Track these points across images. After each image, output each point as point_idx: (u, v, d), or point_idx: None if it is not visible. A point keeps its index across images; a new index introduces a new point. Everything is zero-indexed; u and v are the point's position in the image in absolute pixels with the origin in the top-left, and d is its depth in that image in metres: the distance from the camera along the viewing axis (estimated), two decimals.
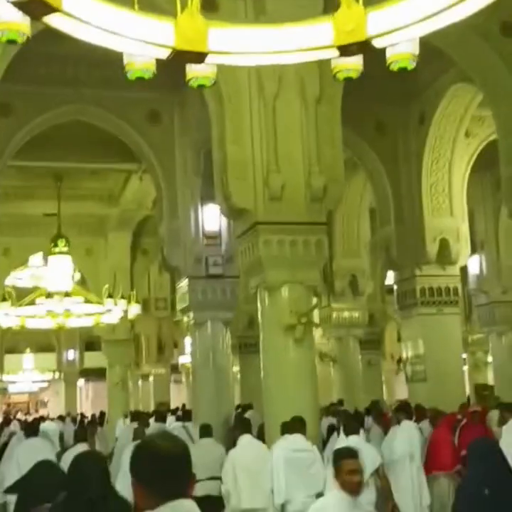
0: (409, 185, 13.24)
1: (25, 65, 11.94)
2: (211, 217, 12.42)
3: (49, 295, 16.33)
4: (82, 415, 27.71)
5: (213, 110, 9.24)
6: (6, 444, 11.95)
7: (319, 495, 6.48)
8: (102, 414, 23.63)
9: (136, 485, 2.20)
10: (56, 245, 16.88)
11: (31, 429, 9.42)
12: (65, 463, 5.09)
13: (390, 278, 22.74)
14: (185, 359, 35.01)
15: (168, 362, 35.67)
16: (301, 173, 8.91)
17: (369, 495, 6.86)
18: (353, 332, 17.14)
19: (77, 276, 19.14)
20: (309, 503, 5.39)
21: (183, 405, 22.09)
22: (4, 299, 16.15)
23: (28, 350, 38.65)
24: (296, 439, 7.68)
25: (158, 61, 11.29)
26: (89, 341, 37.56)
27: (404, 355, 13.86)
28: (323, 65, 9.22)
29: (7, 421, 17.91)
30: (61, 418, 24.60)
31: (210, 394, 12.21)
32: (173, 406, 31.05)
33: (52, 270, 16.72)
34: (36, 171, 18.01)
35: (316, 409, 9.07)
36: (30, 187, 18.74)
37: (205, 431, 9.62)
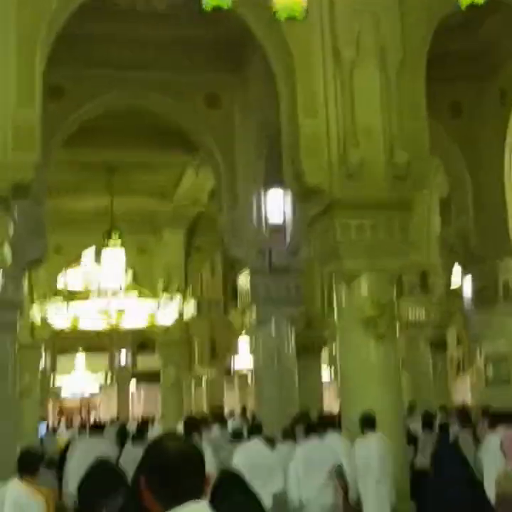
0: (489, 170, 12.11)
1: (78, 47, 11.26)
2: (275, 206, 11.51)
3: (102, 292, 15.63)
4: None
5: (282, 81, 8.35)
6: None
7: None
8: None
9: (145, 488, 2.10)
10: (110, 238, 16.22)
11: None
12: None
13: (456, 274, 21.83)
14: (238, 363, 34.29)
15: (221, 365, 34.97)
16: (382, 148, 7.96)
17: (326, 497, 7.20)
18: (424, 333, 16.03)
19: (130, 275, 18.44)
20: None
21: (243, 408, 21.16)
22: (56, 297, 15.50)
23: (80, 349, 38.28)
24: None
25: (217, 43, 10.41)
26: (142, 342, 37.14)
27: (481, 356, 12.75)
28: (406, 29, 8.35)
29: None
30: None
31: (274, 397, 11.29)
32: (226, 410, 30.35)
33: (107, 264, 16.03)
34: (88, 164, 17.37)
35: (400, 413, 8.08)
36: (81, 181, 18.11)
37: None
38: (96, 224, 19.51)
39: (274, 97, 10.83)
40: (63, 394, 39.62)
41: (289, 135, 8.25)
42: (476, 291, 12.66)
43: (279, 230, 11.51)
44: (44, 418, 25.87)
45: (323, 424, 8.34)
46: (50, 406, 37.23)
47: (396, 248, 7.94)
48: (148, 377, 38.94)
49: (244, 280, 11.77)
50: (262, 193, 11.50)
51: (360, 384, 7.85)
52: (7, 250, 7.37)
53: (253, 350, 11.89)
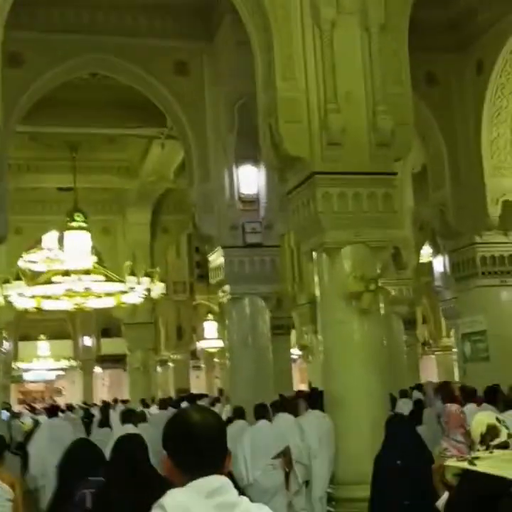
0: (467, 142, 11.80)
1: (37, 11, 10.65)
2: (247, 179, 11.03)
3: (66, 273, 15.05)
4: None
5: (257, 42, 7.87)
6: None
7: None
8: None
9: (166, 459, 2.07)
10: (73, 220, 15.63)
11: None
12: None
13: (426, 250, 21.65)
14: (204, 344, 33.93)
15: (187, 347, 34.58)
16: (365, 114, 7.55)
17: (276, 476, 7.33)
18: (397, 310, 15.75)
19: (94, 258, 17.85)
20: None
21: (220, 391, 20.68)
22: (18, 278, 14.88)
23: (42, 337, 37.65)
24: None
25: (186, 8, 9.87)
26: (105, 327, 36.55)
27: (457, 333, 12.51)
28: None
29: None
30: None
31: (248, 376, 10.89)
32: (193, 392, 29.95)
33: (70, 247, 15.45)
34: (50, 140, 16.75)
35: (385, 392, 7.73)
36: (43, 159, 17.46)
37: (238, 413, 8.92)
38: (58, 204, 18.91)
39: (247, 65, 10.38)
40: (26, 378, 38.99)
41: (266, 100, 7.80)
42: (454, 266, 12.39)
43: (252, 204, 11.06)
44: (7, 403, 25.26)
45: (275, 405, 8.51)
46: (13, 391, 36.55)
47: (380, 219, 7.56)
48: (113, 362, 38.52)
49: (216, 258, 11.30)
50: (234, 166, 11.02)
51: (343, 362, 7.50)
52: None
53: (227, 329, 11.44)
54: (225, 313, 11.54)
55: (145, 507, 2.08)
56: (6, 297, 15.46)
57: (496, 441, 3.93)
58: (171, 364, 34.88)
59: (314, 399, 8.70)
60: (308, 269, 18.01)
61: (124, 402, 21.73)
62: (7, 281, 14.94)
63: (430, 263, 21.85)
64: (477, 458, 3.61)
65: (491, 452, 3.79)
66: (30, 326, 35.43)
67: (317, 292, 7.84)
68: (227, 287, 11.12)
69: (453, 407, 5.33)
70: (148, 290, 16.09)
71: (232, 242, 10.99)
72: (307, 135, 7.46)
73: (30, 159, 17.35)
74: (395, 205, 7.57)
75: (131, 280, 14.99)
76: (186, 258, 34.45)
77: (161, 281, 16.76)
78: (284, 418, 8.05)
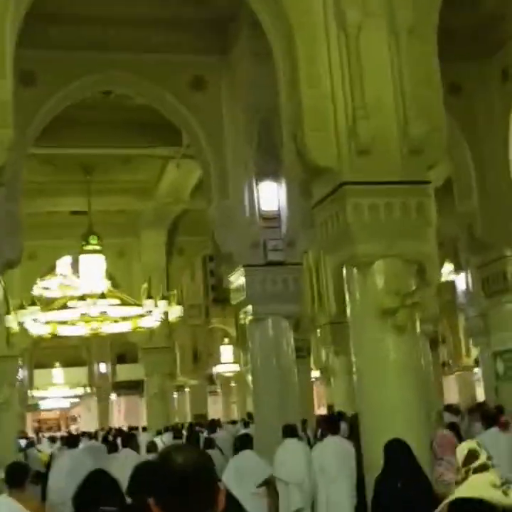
0: (494, 152, 11.40)
1: (49, 28, 10.40)
2: (268, 195, 10.67)
3: (81, 298, 14.70)
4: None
5: (279, 50, 7.53)
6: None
7: None
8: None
9: (154, 505, 2.00)
10: (87, 243, 15.31)
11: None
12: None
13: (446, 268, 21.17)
14: (221, 369, 33.46)
15: (204, 372, 34.13)
16: (395, 120, 7.17)
17: (259, 504, 7.43)
18: (424, 329, 15.19)
19: (108, 281, 17.52)
20: None
21: (249, 414, 20.13)
22: (33, 304, 14.53)
23: (57, 364, 37.32)
24: None
25: (201, 22, 9.57)
26: (121, 353, 36.15)
27: (492, 350, 12.02)
28: None
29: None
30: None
31: (272, 399, 10.44)
32: (210, 418, 29.45)
33: (84, 270, 15.11)
34: (63, 162, 16.49)
35: (425, 415, 7.27)
36: (56, 182, 17.22)
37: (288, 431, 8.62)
38: (72, 228, 18.58)
39: (265, 77, 10.07)
40: (42, 407, 38.60)
41: (290, 108, 7.43)
42: (482, 282, 11.93)
43: (273, 220, 10.68)
44: (23, 432, 24.90)
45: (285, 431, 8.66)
46: (28, 419, 36.19)
47: (414, 230, 7.15)
48: (129, 388, 38.07)
49: (236, 277, 10.91)
50: (254, 182, 10.66)
51: (378, 383, 7.04)
52: None
53: (249, 352, 11.02)
54: (246, 334, 11.12)
55: None
56: (20, 324, 15.11)
57: (476, 464, 4.16)
58: (187, 389, 34.43)
59: (333, 423, 8.70)
60: (329, 288, 17.61)
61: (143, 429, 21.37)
62: (22, 307, 14.59)
63: (449, 281, 21.42)
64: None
65: (466, 476, 4.13)
66: (45, 353, 35.10)
67: (348, 310, 7.41)
68: (249, 308, 10.71)
69: (445, 431, 5.99)
70: (166, 313, 15.70)
71: (254, 261, 10.61)
72: (335, 144, 7.08)
73: (43, 183, 17.09)
74: (429, 215, 7.16)
75: (147, 303, 14.61)
76: (201, 281, 34.14)
77: (178, 304, 16.38)
78: (291, 444, 8.16)
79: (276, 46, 7.63)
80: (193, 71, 10.96)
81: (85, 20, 10.53)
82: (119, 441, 12.02)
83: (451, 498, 4.10)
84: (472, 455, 4.19)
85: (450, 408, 13.48)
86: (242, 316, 10.98)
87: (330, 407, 19.63)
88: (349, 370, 17.91)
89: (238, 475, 7.52)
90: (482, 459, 4.17)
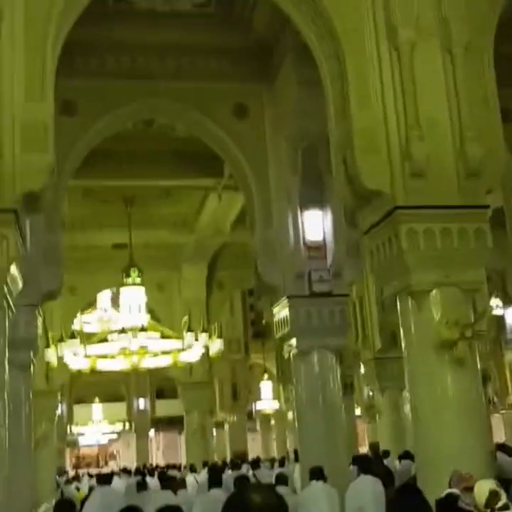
0: None
1: (90, 57, 10.30)
2: (313, 224, 10.34)
3: (122, 331, 14.45)
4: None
5: (328, 70, 7.24)
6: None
7: None
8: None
9: None
10: (128, 276, 15.12)
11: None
12: None
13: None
14: (260, 405, 32.92)
15: (243, 409, 33.61)
16: (451, 142, 6.81)
17: None
18: None
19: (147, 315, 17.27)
20: None
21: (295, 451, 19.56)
22: (73, 337, 14.33)
23: (97, 399, 37.11)
24: None
25: (244, 49, 9.35)
26: (160, 389, 35.85)
27: None
28: (472, 5, 7.30)
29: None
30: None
31: (318, 437, 9.98)
32: (250, 456, 28.89)
33: (125, 303, 14.89)
34: (104, 195, 16.39)
35: (486, 452, 6.78)
36: (97, 215, 17.13)
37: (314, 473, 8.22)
38: (112, 261, 18.45)
39: (309, 105, 9.82)
40: (81, 443, 38.36)
41: (339, 131, 7.13)
42: None
43: (318, 250, 10.32)
44: (62, 468, 24.62)
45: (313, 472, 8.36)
46: (67, 455, 35.95)
47: (472, 257, 6.73)
48: (168, 424, 37.65)
49: (280, 309, 10.55)
50: (298, 211, 10.35)
51: (435, 420, 6.59)
52: (16, 273, 6.22)
53: (294, 387, 10.60)
54: (290, 369, 10.71)
55: None
56: (60, 358, 14.91)
57: (500, 504, 4.40)
58: (226, 426, 33.89)
59: (366, 463, 8.47)
60: (374, 321, 17.10)
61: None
62: (61, 340, 14.40)
63: (496, 316, 20.76)
64: None
65: None
66: (84, 388, 34.94)
67: (402, 342, 6.99)
68: (293, 341, 10.32)
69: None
70: (206, 347, 15.38)
71: (298, 292, 10.24)
72: (387, 166, 6.75)
73: (84, 216, 17.03)
74: (488, 241, 6.74)
75: (188, 337, 14.30)
76: (241, 316, 33.81)
77: (220, 337, 16.05)
78: (315, 487, 8.09)
79: (324, 67, 7.35)
80: (235, 99, 10.74)
81: (126, 48, 10.43)
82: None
83: None
84: (494, 495, 4.42)
85: (503, 448, 12.79)
86: (286, 349, 10.58)
87: (372, 446, 18.98)
88: (395, 407, 17.51)
89: None
90: (503, 499, 4.41)
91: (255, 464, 16.42)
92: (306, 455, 10.19)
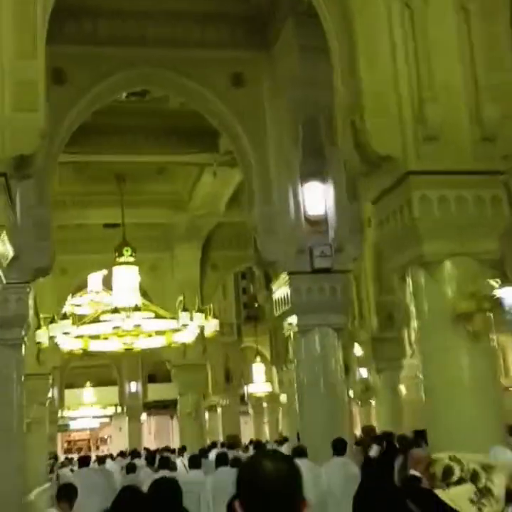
0: None
1: (81, 22, 9.86)
2: (314, 198, 9.95)
3: (115, 311, 14.07)
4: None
5: (334, 30, 6.86)
6: None
7: None
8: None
9: (239, 506, 2.04)
10: (121, 255, 14.71)
11: None
12: None
13: None
14: (253, 389, 32.67)
15: (236, 392, 33.36)
16: (465, 104, 6.44)
17: None
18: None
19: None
20: None
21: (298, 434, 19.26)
22: (64, 318, 13.93)
23: (88, 384, 36.82)
24: None
25: (241, 16, 8.93)
26: (151, 373, 35.56)
27: None
28: None
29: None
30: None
31: (320, 418, 9.66)
32: (243, 439, 28.64)
33: (118, 283, 14.50)
34: (95, 172, 15.97)
35: (501, 433, 6.46)
36: (88, 193, 16.69)
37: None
38: (104, 242, 18.05)
39: (311, 72, 9.45)
40: (72, 427, 38.09)
41: (346, 94, 6.74)
42: None
43: (320, 225, 9.95)
44: (53, 453, 24.31)
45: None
46: (58, 440, 35.64)
47: (489, 226, 6.38)
48: (160, 408, 37.39)
49: (280, 286, 10.18)
50: (299, 184, 9.96)
51: (449, 397, 6.26)
52: (5, 240, 5.82)
53: (295, 366, 10.26)
54: (286, 350, 10.38)
55: None
56: (51, 338, 14.52)
57: (454, 479, 4.18)
58: (219, 409, 33.66)
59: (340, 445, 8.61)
60: (370, 300, 16.79)
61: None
62: (53, 321, 14.00)
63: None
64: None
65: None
66: (75, 372, 34.63)
67: (414, 317, 6.64)
68: (293, 319, 9.96)
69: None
70: (201, 327, 15.02)
71: (299, 268, 9.87)
72: (398, 130, 6.37)
73: (75, 194, 16.60)
74: (504, 209, 6.39)
75: (183, 316, 13.93)
76: (233, 299, 33.49)
77: (214, 317, 15.68)
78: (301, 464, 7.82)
79: (329, 27, 6.98)
80: (232, 67, 10.34)
81: (120, 14, 10.02)
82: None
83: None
84: (447, 471, 4.20)
85: None
86: (286, 328, 10.22)
87: (363, 429, 18.67)
88: (393, 388, 17.24)
89: (215, 491, 7.96)
90: (457, 474, 4.19)
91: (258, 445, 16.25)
92: (307, 435, 9.89)
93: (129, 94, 12.09)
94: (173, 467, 11.68)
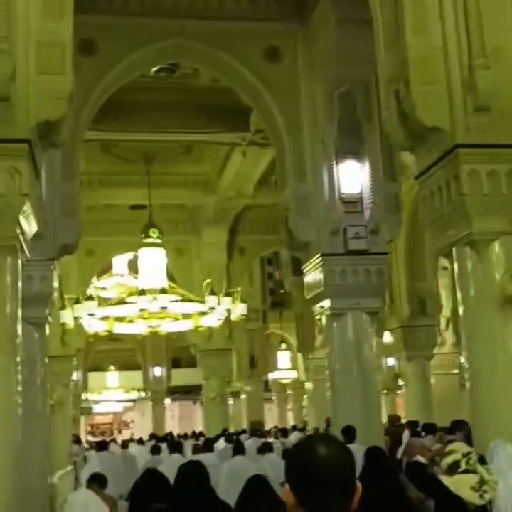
0: None
1: None
2: (350, 177, 9.56)
3: (141, 293, 13.80)
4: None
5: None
6: None
7: None
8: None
9: (288, 493, 1.97)
10: (148, 236, 14.42)
11: None
12: None
13: None
14: (277, 375, 32.42)
15: (260, 378, 33.11)
16: None
17: None
18: None
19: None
20: None
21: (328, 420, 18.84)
22: (90, 299, 13.70)
23: (112, 367, 36.82)
24: None
25: None
26: (176, 358, 35.44)
27: None
28: None
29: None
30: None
31: (353, 406, 9.32)
32: (267, 426, 28.42)
33: (144, 264, 14.23)
34: (123, 151, 15.69)
35: None
36: (115, 173, 16.42)
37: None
38: (131, 223, 17.77)
39: (349, 46, 9.07)
40: (95, 410, 38.14)
41: (390, 61, 6.34)
42: None
43: (355, 205, 9.56)
44: (76, 435, 24.24)
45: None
46: (81, 423, 35.71)
47: None
48: (184, 393, 37.31)
49: (312, 268, 9.81)
50: (334, 162, 9.57)
51: (496, 382, 5.88)
52: (30, 212, 5.52)
53: (328, 351, 9.91)
54: (324, 332, 10.03)
55: None
56: (76, 319, 14.31)
57: (460, 470, 4.81)
58: (243, 395, 33.48)
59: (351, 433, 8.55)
60: (402, 286, 16.36)
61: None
62: (77, 302, 13.77)
63: None
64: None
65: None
66: (100, 356, 34.65)
67: (459, 297, 6.26)
68: (326, 302, 9.60)
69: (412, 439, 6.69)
70: (228, 311, 14.71)
71: (333, 250, 9.49)
72: (446, 100, 5.97)
73: (102, 174, 16.33)
74: None
75: (210, 300, 13.62)
76: (259, 285, 33.14)
77: (242, 302, 15.35)
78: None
79: None
80: (267, 40, 9.93)
81: None
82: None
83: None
84: (455, 464, 4.84)
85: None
86: (317, 311, 9.86)
87: (389, 417, 18.26)
88: (422, 377, 16.84)
89: (231, 479, 8.02)
90: (463, 466, 4.81)
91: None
92: (339, 423, 9.54)
93: (159, 69, 11.74)
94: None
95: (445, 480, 4.78)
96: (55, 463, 13.46)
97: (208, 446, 11.48)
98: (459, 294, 6.25)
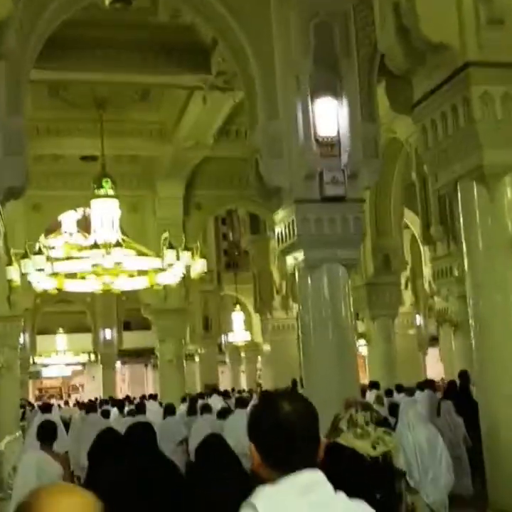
0: None
1: None
2: (326, 116, 8.72)
3: (93, 247, 12.86)
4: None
5: None
6: None
7: None
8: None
9: (254, 452, 1.96)
10: (101, 187, 13.43)
11: None
12: None
13: None
14: (231, 338, 31.88)
15: (214, 340, 32.56)
16: None
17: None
18: None
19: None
20: None
21: (294, 381, 18.16)
22: (39, 253, 12.69)
23: (61, 330, 35.87)
24: None
25: None
26: (127, 320, 34.59)
27: None
28: None
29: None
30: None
31: (328, 364, 8.62)
32: (221, 388, 27.90)
33: (97, 217, 13.26)
34: (73, 96, 14.56)
35: None
36: (66, 119, 15.29)
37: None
38: (81, 177, 16.73)
39: None
40: (44, 374, 37.20)
41: None
42: None
43: (331, 147, 8.74)
44: (24, 399, 23.35)
45: None
46: (30, 387, 34.74)
47: None
48: (135, 356, 36.52)
49: (285, 215, 9.00)
50: (309, 100, 8.70)
51: (504, 337, 5.23)
52: None
53: (300, 306, 9.17)
54: (297, 286, 9.26)
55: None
56: (23, 276, 13.30)
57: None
58: (197, 358, 32.89)
59: None
60: (366, 242, 15.70)
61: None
62: (25, 256, 12.75)
63: None
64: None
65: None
66: (48, 318, 33.60)
67: (463, 239, 5.54)
68: (300, 253, 8.82)
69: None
70: (188, 268, 13.86)
71: (307, 195, 8.67)
72: (455, 12, 5.20)
73: (49, 120, 15.19)
74: None
75: (169, 254, 12.74)
76: (213, 245, 32.33)
77: (202, 257, 14.48)
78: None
79: None
80: None
81: None
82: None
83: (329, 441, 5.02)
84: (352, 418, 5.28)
85: None
86: (290, 263, 9.08)
87: None
88: (387, 336, 16.34)
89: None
90: (360, 421, 5.23)
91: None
92: (312, 383, 8.85)
93: (113, 1, 10.66)
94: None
95: (340, 440, 5.21)
96: (2, 428, 12.67)
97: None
98: (463, 237, 5.53)
